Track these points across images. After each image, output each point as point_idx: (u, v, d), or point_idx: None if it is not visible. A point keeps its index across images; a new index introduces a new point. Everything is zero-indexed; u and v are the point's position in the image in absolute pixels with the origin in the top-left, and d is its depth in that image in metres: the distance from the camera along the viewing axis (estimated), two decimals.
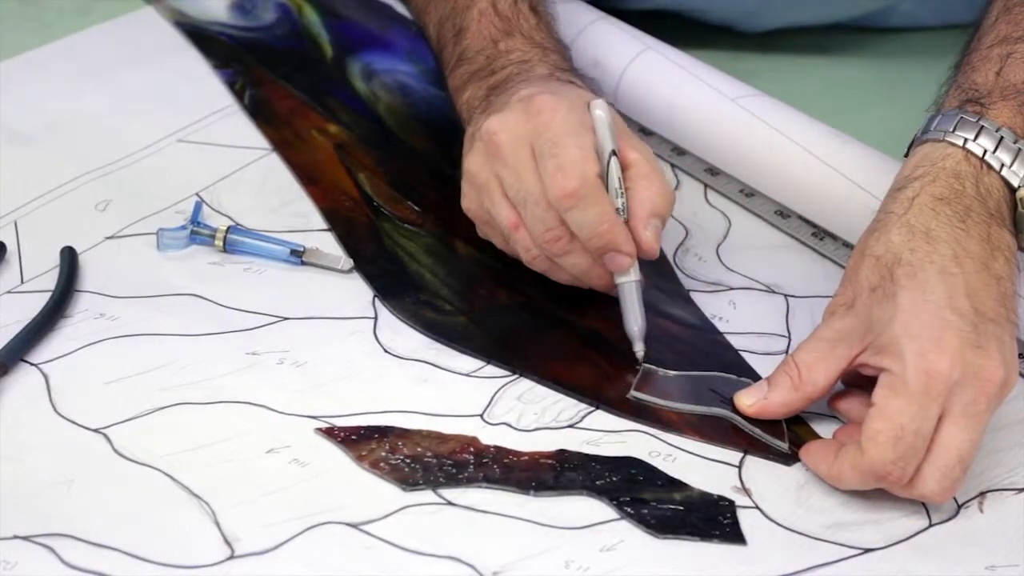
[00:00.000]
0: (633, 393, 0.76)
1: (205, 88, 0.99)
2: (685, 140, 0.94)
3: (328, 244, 0.85)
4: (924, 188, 0.73)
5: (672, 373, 0.77)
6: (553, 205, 0.76)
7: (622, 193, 0.77)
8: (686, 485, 0.72)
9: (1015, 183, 0.73)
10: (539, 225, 0.77)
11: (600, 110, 0.78)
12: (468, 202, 0.81)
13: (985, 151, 0.73)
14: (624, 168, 0.78)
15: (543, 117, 0.77)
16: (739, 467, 0.73)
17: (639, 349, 0.77)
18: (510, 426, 0.74)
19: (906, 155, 0.76)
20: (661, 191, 0.78)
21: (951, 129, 0.74)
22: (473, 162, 0.80)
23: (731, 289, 0.85)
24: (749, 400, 0.74)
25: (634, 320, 0.77)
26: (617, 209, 0.77)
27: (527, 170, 0.77)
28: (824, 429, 0.75)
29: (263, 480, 0.70)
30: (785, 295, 0.84)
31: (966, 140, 0.73)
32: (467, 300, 0.82)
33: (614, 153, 0.77)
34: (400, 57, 1.02)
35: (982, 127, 0.73)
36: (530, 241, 0.78)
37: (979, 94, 0.75)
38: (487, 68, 0.85)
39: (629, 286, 0.78)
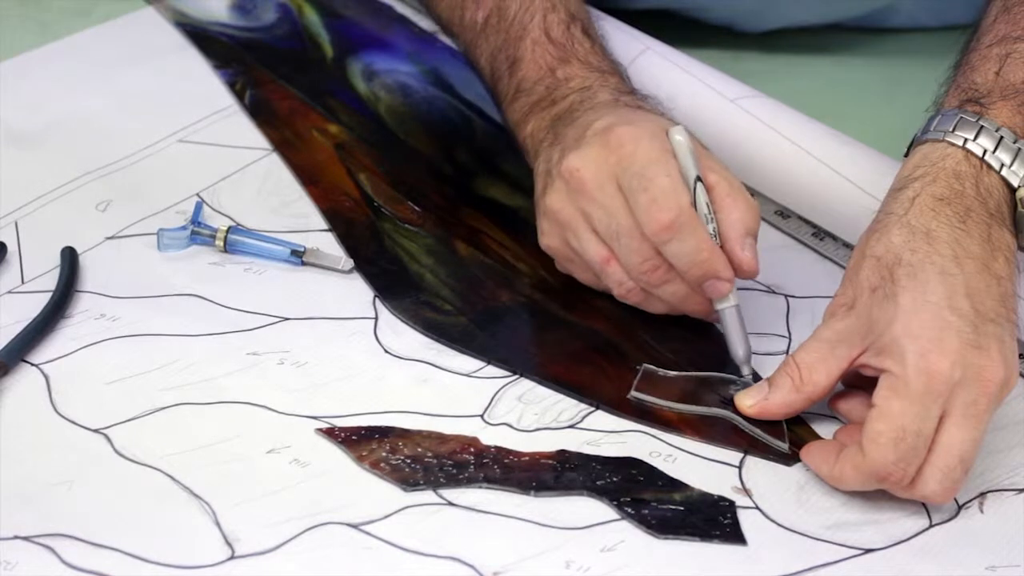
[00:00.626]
0: (633, 393, 0.76)
1: (205, 88, 0.99)
2: None
3: (328, 244, 0.85)
4: (924, 188, 0.72)
5: (672, 373, 0.77)
6: (649, 238, 0.76)
7: (712, 218, 0.76)
8: (686, 485, 0.72)
9: (1015, 183, 0.73)
10: (635, 257, 0.77)
11: (680, 135, 0.77)
12: (550, 240, 0.80)
13: (985, 151, 0.73)
14: (708, 191, 0.77)
15: (626, 150, 0.77)
16: (739, 467, 0.73)
17: (747, 373, 0.77)
18: (510, 426, 0.74)
19: (906, 155, 0.76)
20: (749, 208, 0.78)
21: (951, 129, 0.74)
22: (555, 200, 0.79)
23: None
24: (750, 401, 0.74)
25: (739, 344, 0.77)
26: (710, 235, 0.76)
27: (617, 205, 0.77)
28: (824, 429, 0.75)
29: (264, 480, 0.70)
30: (785, 295, 0.84)
31: (966, 140, 0.73)
32: (467, 300, 0.82)
33: (699, 179, 0.77)
34: (401, 57, 1.02)
35: (982, 127, 0.73)
36: (623, 275, 0.78)
37: (979, 94, 0.75)
38: (548, 98, 0.85)
39: (730, 311, 0.77)
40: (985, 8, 0.80)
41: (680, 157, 0.77)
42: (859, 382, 0.73)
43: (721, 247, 0.77)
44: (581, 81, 0.84)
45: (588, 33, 0.88)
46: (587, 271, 0.80)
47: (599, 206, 0.77)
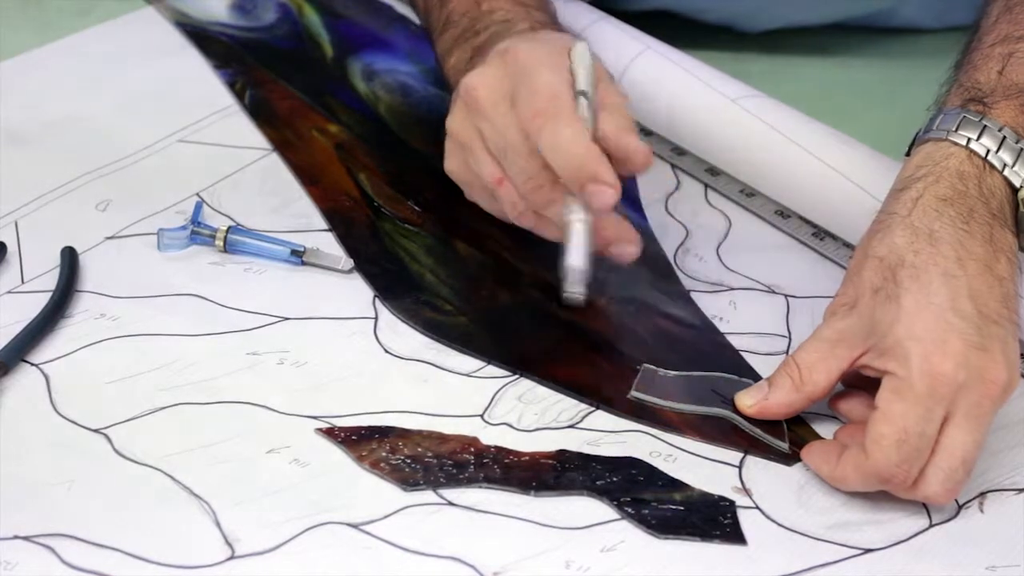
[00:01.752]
0: (633, 393, 0.76)
1: (205, 88, 0.99)
2: (685, 140, 0.94)
3: (328, 244, 0.85)
4: (928, 189, 0.72)
5: (672, 373, 0.77)
6: (525, 131, 0.74)
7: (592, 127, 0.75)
8: (686, 485, 0.72)
9: (1017, 183, 0.73)
10: (521, 175, 0.76)
11: (582, 47, 0.76)
12: (452, 163, 0.80)
13: (988, 151, 0.73)
14: (598, 111, 0.75)
15: (520, 64, 0.76)
16: (739, 467, 0.73)
17: (576, 291, 0.74)
18: (511, 426, 0.74)
19: (907, 154, 0.76)
20: (629, 124, 0.76)
21: (954, 128, 0.74)
22: (454, 120, 0.78)
23: (731, 289, 0.85)
24: (750, 400, 0.74)
25: (578, 257, 0.73)
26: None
27: (508, 121, 0.76)
28: (824, 429, 0.75)
29: (263, 480, 0.70)
30: (785, 295, 0.84)
31: (969, 140, 0.73)
32: (467, 300, 0.82)
33: (583, 94, 0.75)
34: (401, 57, 1.02)
35: (985, 126, 0.73)
36: (516, 195, 0.77)
37: (982, 93, 0.75)
38: (471, 29, 0.85)
39: (579, 226, 0.74)
40: (985, 8, 0.80)
41: (575, 67, 0.75)
42: (859, 382, 0.73)
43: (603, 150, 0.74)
44: (504, 14, 0.84)
45: None
46: (486, 194, 0.80)
47: (491, 123, 0.76)
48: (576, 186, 0.75)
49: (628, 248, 0.79)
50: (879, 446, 0.68)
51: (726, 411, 0.75)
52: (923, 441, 0.68)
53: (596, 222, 0.77)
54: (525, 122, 0.74)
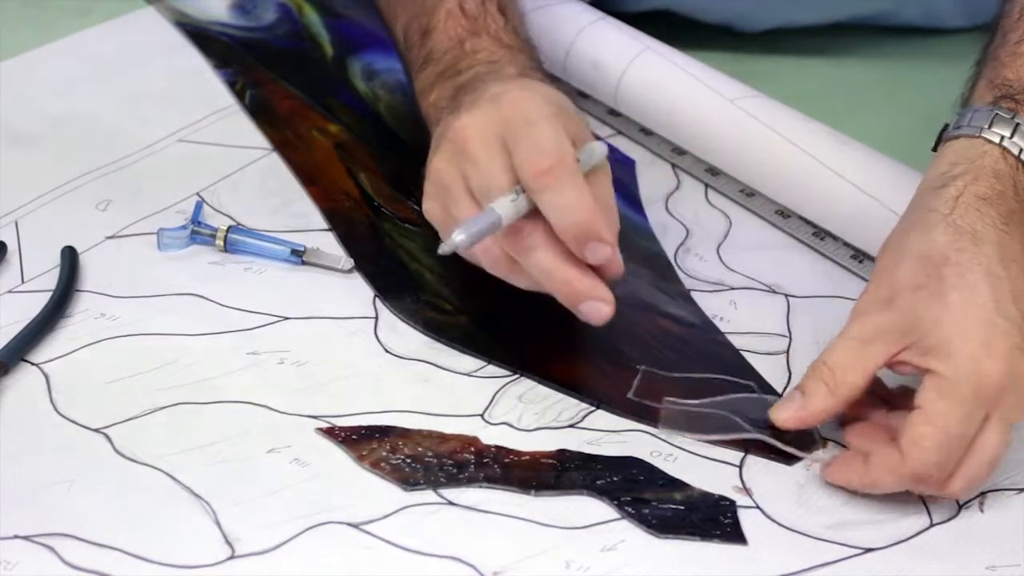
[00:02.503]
0: (631, 397, 0.75)
1: (205, 88, 0.99)
2: (685, 140, 0.94)
3: (329, 244, 0.85)
4: (967, 187, 0.71)
5: (672, 375, 0.77)
6: (523, 184, 0.73)
7: None
8: (687, 485, 0.72)
9: None
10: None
11: (600, 148, 0.75)
12: (430, 202, 0.77)
13: (1020, 150, 0.72)
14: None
15: (516, 108, 0.74)
16: (740, 467, 0.73)
17: (446, 247, 0.72)
18: (511, 426, 0.74)
19: (934, 148, 0.75)
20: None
21: (987, 125, 0.73)
22: (439, 160, 0.76)
23: (732, 289, 0.85)
24: (786, 413, 0.72)
25: (467, 233, 0.72)
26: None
27: (496, 164, 0.74)
28: (823, 428, 0.75)
29: (264, 480, 0.70)
30: (786, 295, 0.84)
31: (1003, 137, 0.72)
32: (467, 300, 0.82)
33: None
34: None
35: (1017, 124, 0.72)
36: (491, 240, 0.74)
37: (1013, 90, 0.74)
38: (454, 68, 0.83)
39: (500, 210, 0.72)
40: (1005, 6, 0.79)
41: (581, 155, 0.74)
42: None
43: None
44: (488, 55, 0.83)
45: (504, 11, 0.86)
46: None
47: (477, 165, 0.74)
48: (574, 245, 0.73)
49: (601, 308, 0.75)
50: (919, 447, 0.67)
51: (759, 434, 0.73)
52: (962, 442, 0.67)
53: (577, 280, 0.74)
54: (525, 178, 0.72)
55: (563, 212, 0.72)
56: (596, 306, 0.74)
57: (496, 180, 0.73)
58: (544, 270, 0.74)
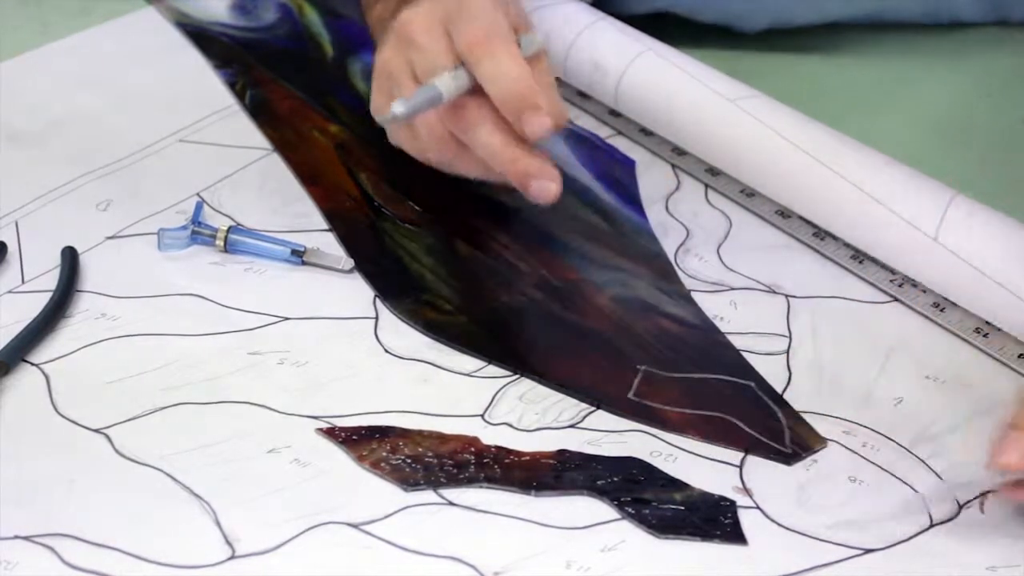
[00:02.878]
0: (632, 397, 0.76)
1: (205, 88, 0.99)
2: (685, 140, 0.94)
3: (329, 244, 0.85)
4: None
5: (673, 375, 0.77)
6: (461, 58, 0.73)
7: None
8: (687, 485, 0.72)
9: None
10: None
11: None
12: (377, 96, 0.78)
13: None
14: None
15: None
16: (740, 467, 0.73)
17: (400, 110, 0.73)
18: (511, 426, 0.74)
19: None
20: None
21: None
22: (384, 51, 0.77)
23: (732, 289, 0.85)
24: (1015, 456, 0.66)
25: (407, 103, 0.73)
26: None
27: (439, 47, 0.74)
28: (823, 427, 0.75)
29: (264, 480, 0.70)
30: (786, 295, 0.84)
31: None
32: (468, 300, 0.82)
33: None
34: None
35: None
36: (437, 122, 0.75)
37: None
38: None
39: (439, 84, 0.74)
40: None
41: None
42: None
43: None
44: None
45: None
46: (407, 130, 0.79)
47: (422, 51, 0.75)
48: (512, 114, 0.73)
49: (549, 186, 0.76)
50: None
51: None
52: None
53: (523, 158, 0.75)
54: (462, 50, 0.73)
55: (499, 81, 0.73)
56: (545, 184, 0.75)
57: (439, 60, 0.74)
58: (490, 149, 0.75)
